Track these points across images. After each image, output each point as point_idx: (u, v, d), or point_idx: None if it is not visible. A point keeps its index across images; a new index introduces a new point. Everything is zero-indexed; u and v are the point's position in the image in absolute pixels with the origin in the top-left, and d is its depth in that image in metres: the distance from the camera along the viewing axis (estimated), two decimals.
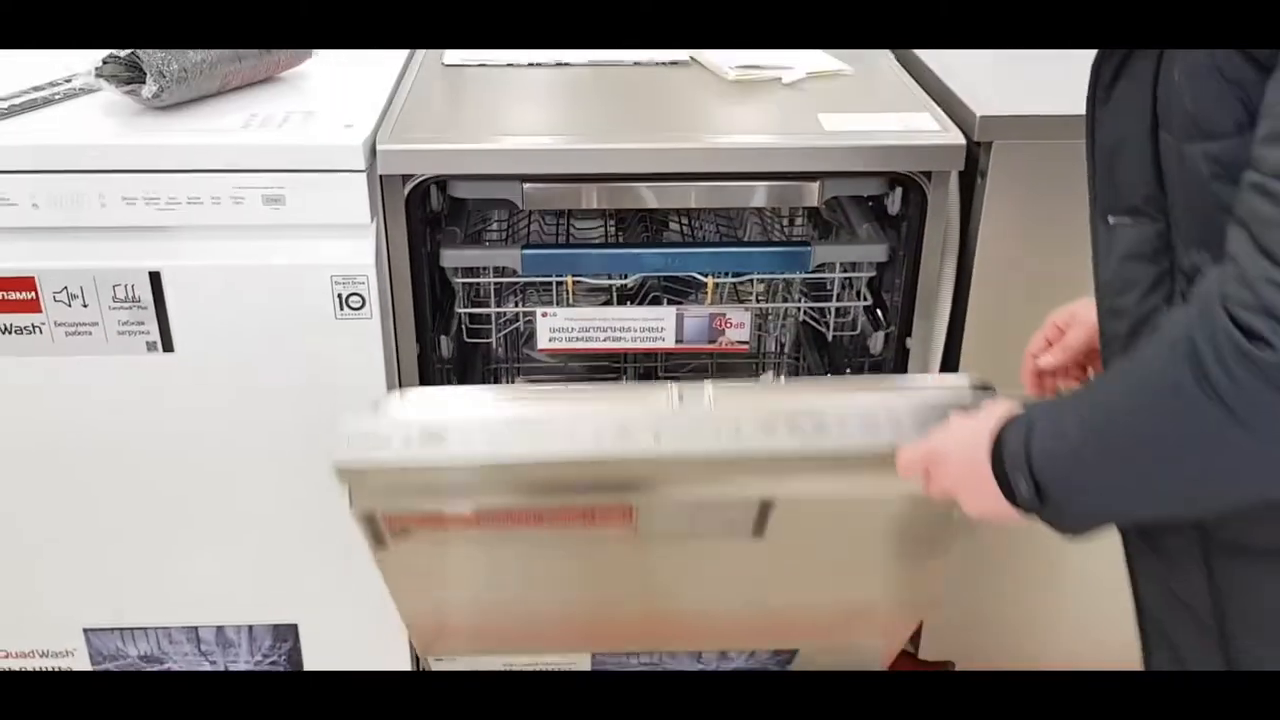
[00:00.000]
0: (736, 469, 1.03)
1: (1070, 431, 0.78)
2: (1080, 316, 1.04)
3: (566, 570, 1.22)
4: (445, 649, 1.39)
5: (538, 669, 1.52)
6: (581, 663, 1.52)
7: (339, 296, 1.28)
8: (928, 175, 1.30)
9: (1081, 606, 1.57)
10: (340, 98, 1.34)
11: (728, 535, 1.14)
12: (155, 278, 1.26)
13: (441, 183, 1.32)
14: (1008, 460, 0.82)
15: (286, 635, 1.52)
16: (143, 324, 1.29)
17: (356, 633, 1.52)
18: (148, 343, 1.30)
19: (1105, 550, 1.54)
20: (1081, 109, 0.88)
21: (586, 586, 1.25)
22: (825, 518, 1.12)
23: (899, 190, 1.36)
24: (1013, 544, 1.53)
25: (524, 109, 1.37)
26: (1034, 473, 0.80)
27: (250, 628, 1.51)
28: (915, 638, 1.61)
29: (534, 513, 1.08)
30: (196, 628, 1.51)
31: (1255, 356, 0.65)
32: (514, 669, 1.52)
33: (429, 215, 1.36)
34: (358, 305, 1.28)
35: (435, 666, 1.51)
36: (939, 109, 1.35)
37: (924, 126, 1.30)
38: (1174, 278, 0.80)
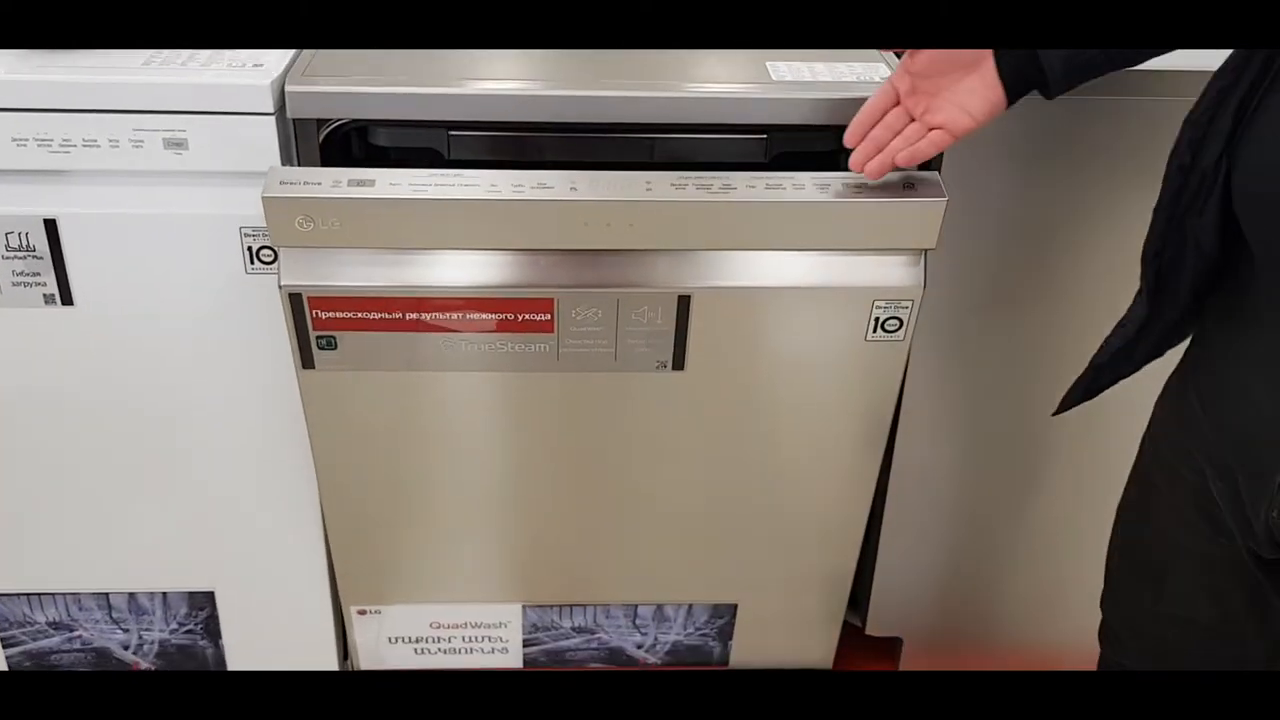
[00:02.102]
0: (649, 221, 1.11)
1: None
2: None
3: (487, 411, 1.26)
4: (359, 529, 1.37)
5: (471, 663, 1.48)
6: (512, 620, 1.48)
7: (249, 250, 1.20)
8: None
9: (1031, 580, 1.53)
10: None
11: (648, 363, 1.20)
12: (51, 225, 1.18)
13: (363, 129, 1.23)
14: None
15: (203, 603, 1.45)
16: (39, 275, 1.20)
17: (276, 601, 1.46)
18: (45, 295, 1.22)
19: (1056, 525, 1.49)
20: None
21: (506, 430, 1.28)
22: (741, 334, 1.20)
23: None
24: (963, 517, 1.47)
25: (455, 53, 1.28)
26: None
27: (165, 595, 1.44)
28: (862, 612, 1.56)
29: (458, 304, 1.15)
30: (108, 594, 1.44)
31: None
32: (446, 668, 1.47)
33: (352, 164, 1.27)
34: (270, 259, 1.20)
35: (356, 620, 1.45)
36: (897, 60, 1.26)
37: (879, 77, 1.22)
38: None
